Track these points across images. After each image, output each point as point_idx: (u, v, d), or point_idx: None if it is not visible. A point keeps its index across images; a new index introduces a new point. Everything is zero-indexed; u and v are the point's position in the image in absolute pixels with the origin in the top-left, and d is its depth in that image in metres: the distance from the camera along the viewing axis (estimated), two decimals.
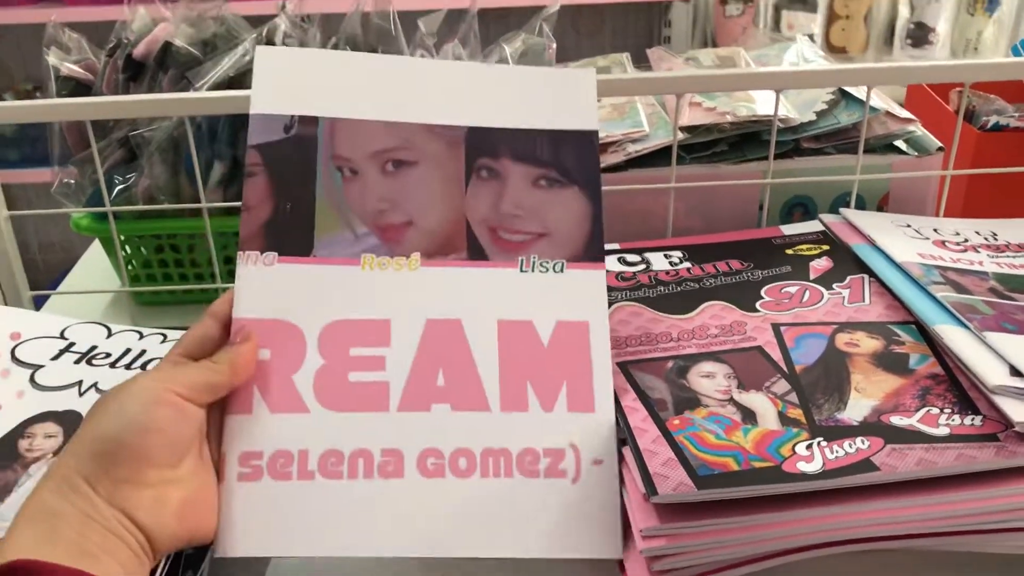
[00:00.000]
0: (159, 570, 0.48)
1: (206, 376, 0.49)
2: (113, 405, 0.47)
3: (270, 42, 0.82)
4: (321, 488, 0.49)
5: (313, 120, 0.56)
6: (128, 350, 0.67)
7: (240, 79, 0.79)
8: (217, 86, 0.79)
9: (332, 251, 0.54)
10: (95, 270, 0.97)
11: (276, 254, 0.53)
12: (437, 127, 0.57)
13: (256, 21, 0.86)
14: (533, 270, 0.55)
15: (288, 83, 0.57)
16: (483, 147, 0.57)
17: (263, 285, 0.53)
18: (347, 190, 0.55)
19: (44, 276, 2.48)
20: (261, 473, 0.49)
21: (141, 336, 0.69)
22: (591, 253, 0.56)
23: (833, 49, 2.25)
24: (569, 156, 0.57)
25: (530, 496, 0.50)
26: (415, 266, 0.54)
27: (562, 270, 0.55)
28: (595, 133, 0.58)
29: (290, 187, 0.55)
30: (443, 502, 0.49)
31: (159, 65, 0.82)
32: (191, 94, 0.75)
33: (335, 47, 0.80)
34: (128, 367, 0.65)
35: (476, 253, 0.55)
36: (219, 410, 0.51)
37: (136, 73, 0.83)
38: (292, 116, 0.56)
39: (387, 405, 0.51)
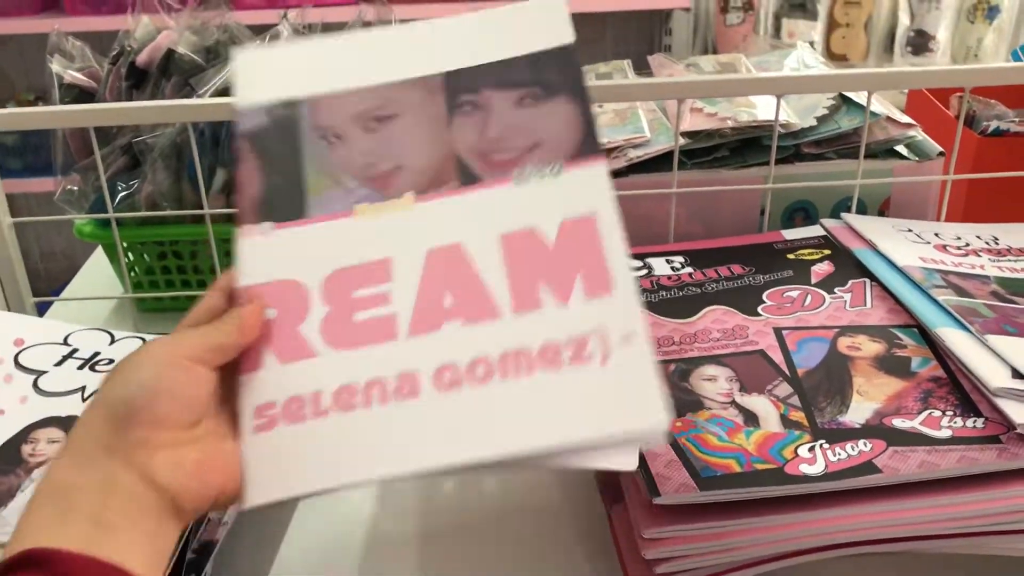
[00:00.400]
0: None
1: (213, 338, 0.49)
2: (124, 372, 0.47)
3: None
4: (336, 422, 0.47)
5: (293, 103, 0.57)
6: None
7: None
8: (220, 93, 0.79)
9: (325, 209, 0.54)
10: (98, 277, 0.97)
11: (272, 223, 0.54)
12: (412, 80, 0.58)
13: (260, 30, 0.87)
14: (529, 180, 0.54)
15: (266, 75, 0.59)
16: (462, 87, 0.57)
17: (263, 253, 0.53)
18: (333, 154, 0.56)
19: (46, 284, 2.47)
20: (276, 421, 0.48)
21: (144, 342, 0.69)
22: (587, 148, 0.54)
23: (834, 57, 2.26)
24: (550, 72, 0.57)
25: (556, 387, 0.47)
26: (409, 204, 0.54)
27: (559, 173, 0.53)
28: (571, 45, 0.57)
29: (277, 162, 0.56)
30: (463, 411, 0.47)
31: (162, 72, 0.82)
32: (194, 101, 0.76)
33: None
34: None
35: (469, 179, 0.55)
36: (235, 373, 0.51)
37: (139, 80, 0.83)
38: (274, 102, 0.57)
39: (395, 334, 0.50)
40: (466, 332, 0.49)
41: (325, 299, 0.51)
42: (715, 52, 2.31)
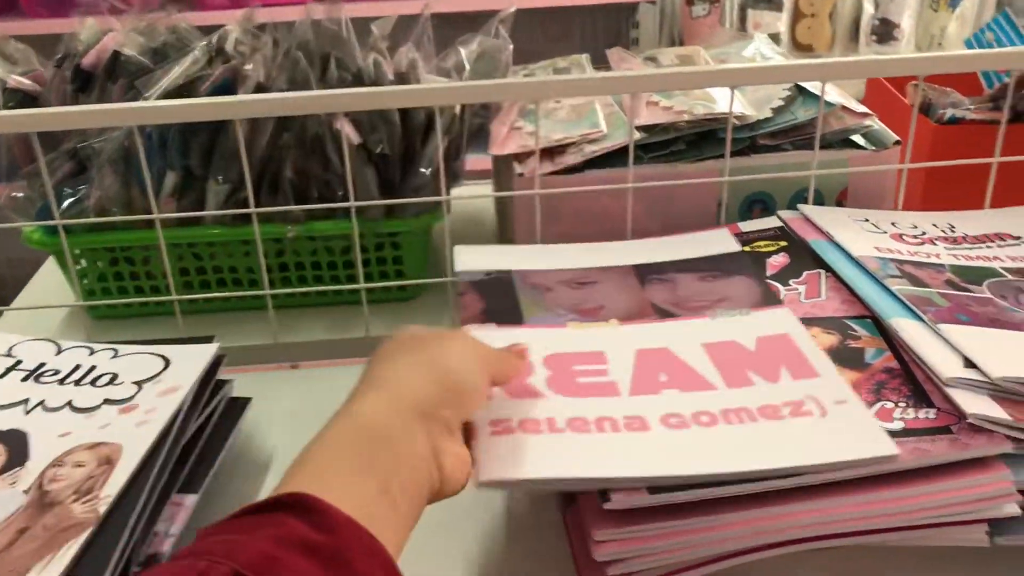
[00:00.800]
0: None
1: (510, 366, 0.54)
2: (460, 355, 0.50)
3: (221, 50, 0.81)
4: (570, 436, 0.51)
5: (507, 271, 0.69)
6: (78, 366, 0.66)
7: (190, 88, 0.78)
8: (168, 95, 0.77)
9: (539, 323, 0.63)
10: (52, 285, 0.95)
11: (495, 325, 0.62)
12: (606, 267, 0.70)
13: (210, 31, 0.85)
14: (722, 317, 0.62)
15: (479, 256, 0.72)
16: (650, 271, 0.69)
17: (486, 339, 0.57)
18: (544, 297, 0.66)
19: (12, 292, 2.45)
20: (512, 430, 0.51)
21: (92, 352, 0.68)
22: (769, 302, 0.64)
23: (799, 47, 2.26)
24: (725, 263, 0.69)
25: (780, 431, 0.50)
26: (614, 325, 0.62)
27: (748, 314, 0.62)
28: (741, 252, 0.70)
29: (497, 297, 0.66)
30: (692, 440, 0.50)
31: (108, 75, 0.81)
32: (140, 104, 0.74)
33: (287, 54, 0.79)
34: (78, 383, 0.64)
35: (665, 316, 0.63)
36: None
37: (85, 84, 0.82)
38: (490, 270, 0.69)
39: (618, 393, 0.55)
40: (685, 396, 0.54)
41: (547, 367, 0.57)
42: (682, 44, 2.31)
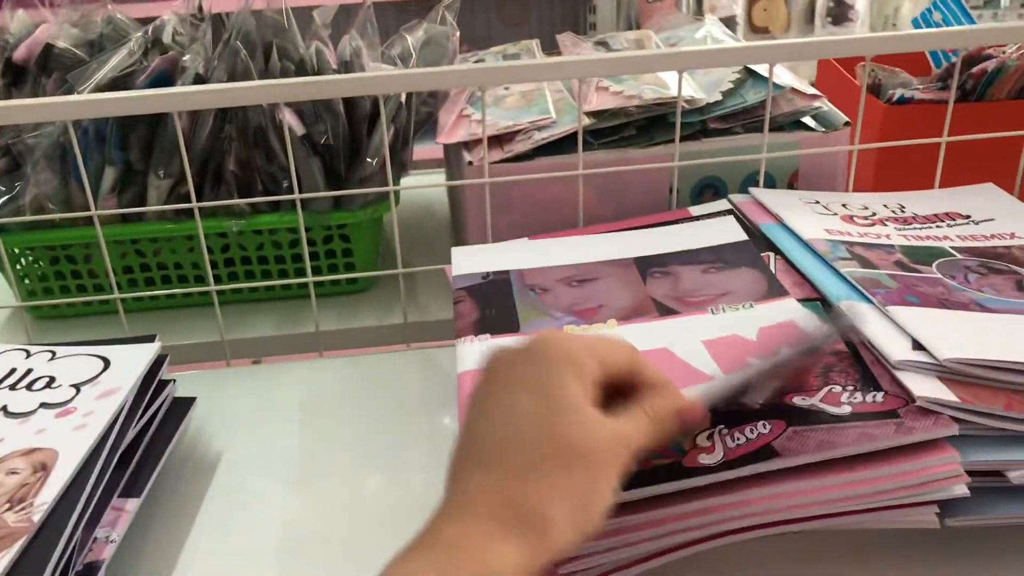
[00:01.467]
0: None
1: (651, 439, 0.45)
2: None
3: (158, 40, 0.79)
4: None
5: (505, 272, 0.68)
6: (14, 370, 0.64)
7: (126, 80, 0.76)
8: (102, 88, 0.75)
9: (536, 327, 0.61)
10: None
11: (488, 335, 0.61)
12: (606, 261, 0.68)
13: (147, 22, 0.83)
14: (724, 312, 0.60)
15: (476, 258, 0.71)
16: (652, 263, 0.68)
17: (476, 351, 0.59)
18: (541, 299, 0.64)
19: None
20: None
21: (28, 355, 0.66)
22: (774, 293, 0.62)
23: (756, 29, 2.27)
24: (729, 254, 0.67)
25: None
26: (612, 326, 0.61)
27: (751, 307, 0.61)
28: (747, 241, 0.69)
29: (492, 303, 0.64)
30: None
31: (41, 68, 0.78)
32: (74, 97, 0.72)
33: (227, 43, 0.77)
34: (13, 388, 0.62)
35: (666, 312, 0.62)
36: None
37: (17, 78, 0.79)
38: (487, 272, 0.68)
39: None
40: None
41: None
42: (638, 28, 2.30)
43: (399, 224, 0.92)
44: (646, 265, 0.67)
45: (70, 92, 0.76)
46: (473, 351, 0.59)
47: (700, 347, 0.57)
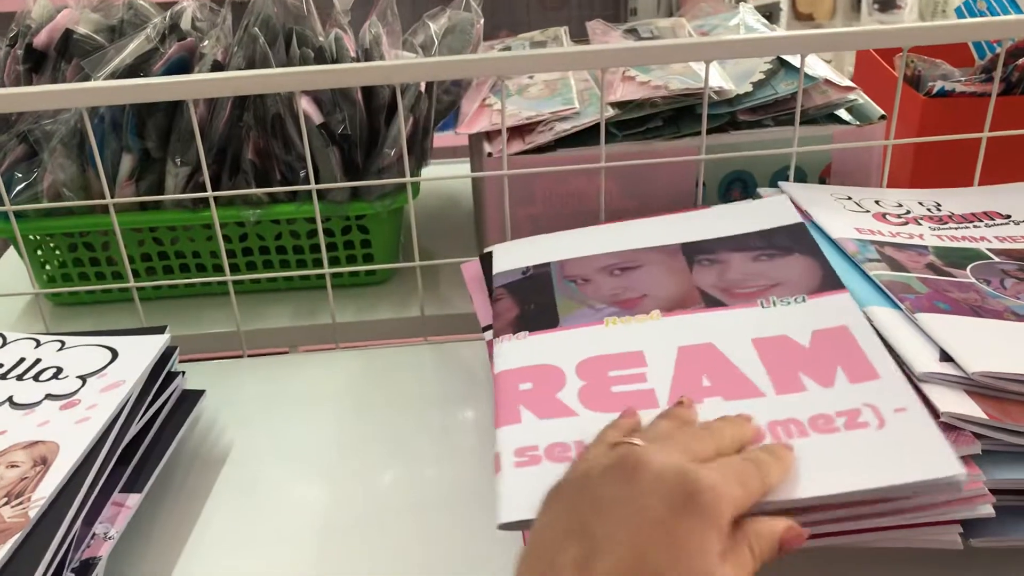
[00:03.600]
0: None
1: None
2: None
3: (176, 26, 0.78)
4: None
5: (545, 265, 0.66)
6: (22, 359, 0.63)
7: (142, 67, 0.75)
8: (118, 75, 0.74)
9: (576, 322, 0.59)
10: (14, 272, 0.93)
11: (527, 332, 0.59)
12: (651, 247, 0.65)
13: (167, 7, 0.82)
14: (775, 306, 0.57)
15: (516, 253, 0.68)
16: (699, 250, 0.64)
17: (518, 349, 0.57)
18: (582, 290, 0.62)
19: None
20: (539, 460, 0.48)
21: (38, 344, 0.65)
22: (828, 286, 0.58)
23: (800, 16, 2.21)
24: (782, 239, 0.64)
25: (834, 446, 0.46)
26: (656, 317, 0.58)
27: (803, 301, 0.57)
28: (801, 224, 0.65)
29: (532, 299, 0.63)
30: None
31: (61, 54, 0.78)
32: (91, 84, 0.71)
33: (246, 29, 0.76)
34: (20, 378, 0.61)
35: (712, 303, 0.59)
36: None
37: (38, 64, 0.79)
38: (527, 267, 0.66)
39: (656, 404, 0.51)
40: (728, 407, 0.50)
41: (580, 375, 0.54)
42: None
43: (421, 215, 0.91)
44: (693, 251, 0.64)
45: (87, 79, 0.75)
46: (512, 349, 0.58)
47: (749, 347, 0.54)
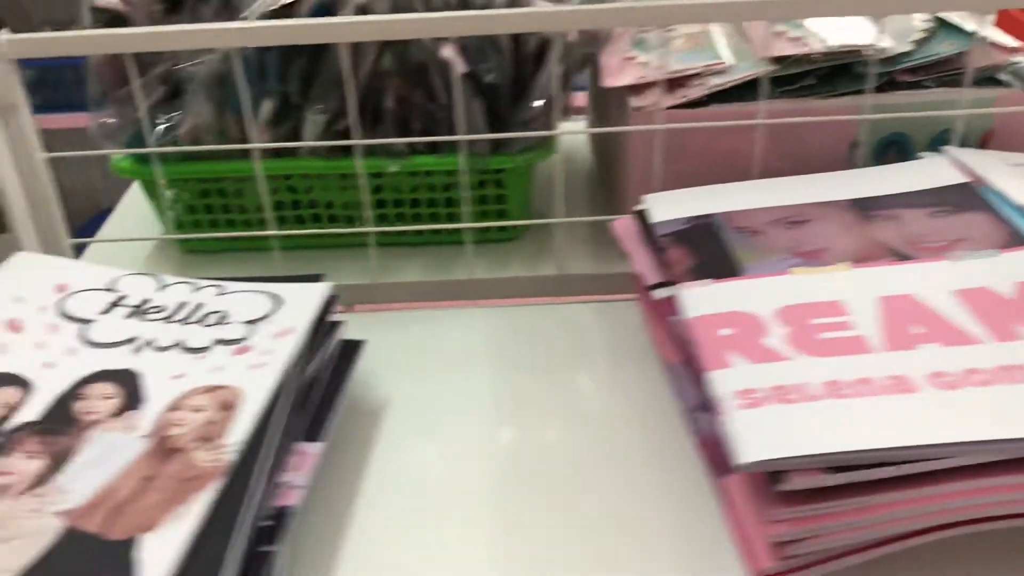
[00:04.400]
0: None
1: None
2: None
3: None
4: (829, 404, 0.46)
5: (707, 216, 0.64)
6: (183, 304, 0.62)
7: (290, 8, 0.73)
8: (265, 15, 0.73)
9: (760, 271, 0.58)
10: (135, 216, 0.92)
11: (712, 279, 0.57)
12: (818, 202, 0.64)
13: None
14: (965, 259, 0.56)
15: (675, 203, 0.66)
16: (871, 205, 0.63)
17: (708, 295, 0.56)
18: (755, 242, 0.61)
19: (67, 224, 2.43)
20: (762, 402, 0.46)
21: (196, 288, 0.64)
22: (1019, 241, 0.57)
23: None
24: (953, 196, 0.63)
25: None
26: (846, 268, 0.57)
27: (996, 255, 0.56)
28: (968, 183, 0.64)
29: (705, 247, 0.61)
30: (969, 401, 0.45)
31: None
32: (236, 24, 0.69)
33: None
34: (183, 323, 0.60)
35: (900, 258, 0.57)
36: None
37: (175, 3, 0.77)
38: (689, 217, 0.64)
39: (869, 349, 0.50)
40: (947, 352, 0.48)
41: (782, 323, 0.53)
42: None
43: (544, 173, 0.89)
44: (865, 207, 0.63)
45: (229, 19, 0.74)
46: (701, 296, 0.56)
47: (952, 298, 0.53)
